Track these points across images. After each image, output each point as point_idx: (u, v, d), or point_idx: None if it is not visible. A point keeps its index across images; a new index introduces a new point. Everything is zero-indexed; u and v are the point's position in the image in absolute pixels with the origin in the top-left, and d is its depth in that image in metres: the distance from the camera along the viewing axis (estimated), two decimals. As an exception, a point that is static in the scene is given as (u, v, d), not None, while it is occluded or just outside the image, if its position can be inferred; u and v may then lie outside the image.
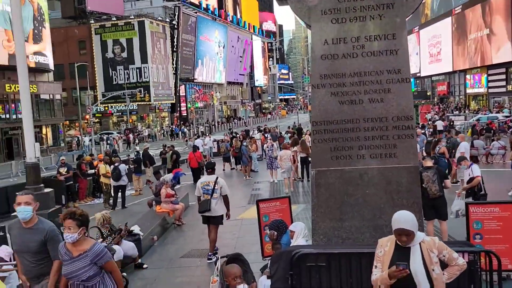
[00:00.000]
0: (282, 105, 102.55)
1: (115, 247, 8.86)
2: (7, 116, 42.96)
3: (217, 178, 9.57)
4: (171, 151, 22.17)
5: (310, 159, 18.37)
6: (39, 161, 33.25)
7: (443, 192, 8.70)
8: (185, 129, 59.83)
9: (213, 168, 9.90)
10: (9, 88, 41.82)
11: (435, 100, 72.73)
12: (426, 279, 3.85)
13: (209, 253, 9.40)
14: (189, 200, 15.48)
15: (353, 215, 6.11)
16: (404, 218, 3.90)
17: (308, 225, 7.54)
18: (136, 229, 10.19)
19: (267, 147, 20.37)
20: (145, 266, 9.40)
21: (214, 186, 9.38)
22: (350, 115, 6.11)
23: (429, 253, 3.87)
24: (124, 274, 8.51)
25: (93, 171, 18.74)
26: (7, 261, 7.34)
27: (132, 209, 16.26)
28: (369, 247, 5.57)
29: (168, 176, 14.99)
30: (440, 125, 29.19)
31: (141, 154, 21.83)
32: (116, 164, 16.80)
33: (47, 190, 10.48)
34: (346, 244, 6.05)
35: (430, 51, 76.16)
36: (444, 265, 4.00)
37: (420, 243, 3.91)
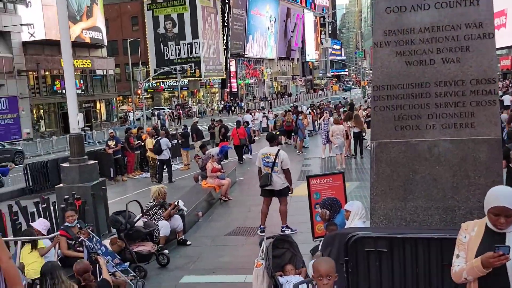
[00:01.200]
0: (334, 81, 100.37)
1: (162, 223, 8.45)
2: (64, 91, 43.96)
3: (278, 150, 9.06)
4: (219, 125, 21.72)
5: (363, 134, 17.47)
6: (92, 134, 33.90)
7: None
8: (243, 104, 60.19)
9: (272, 140, 9.29)
10: (64, 63, 42.63)
11: (498, 75, 68.61)
12: (522, 276, 3.03)
13: (283, 226, 9.00)
14: (236, 176, 14.96)
15: (420, 195, 5.29)
16: (505, 195, 3.07)
17: (364, 204, 6.79)
18: (180, 204, 9.74)
19: (323, 120, 19.66)
20: (188, 243, 8.97)
21: (275, 159, 8.86)
22: (418, 78, 5.22)
23: (529, 244, 3.04)
24: (166, 251, 8.13)
25: (139, 142, 18.60)
26: (45, 235, 7.06)
27: (179, 184, 15.97)
28: (439, 231, 4.78)
29: (214, 150, 14.54)
30: (507, 100, 27.15)
31: (189, 128, 21.52)
32: (158, 138, 16.48)
33: (91, 162, 10.24)
34: (411, 228, 5.26)
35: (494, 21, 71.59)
36: None
37: (517, 231, 3.08)
